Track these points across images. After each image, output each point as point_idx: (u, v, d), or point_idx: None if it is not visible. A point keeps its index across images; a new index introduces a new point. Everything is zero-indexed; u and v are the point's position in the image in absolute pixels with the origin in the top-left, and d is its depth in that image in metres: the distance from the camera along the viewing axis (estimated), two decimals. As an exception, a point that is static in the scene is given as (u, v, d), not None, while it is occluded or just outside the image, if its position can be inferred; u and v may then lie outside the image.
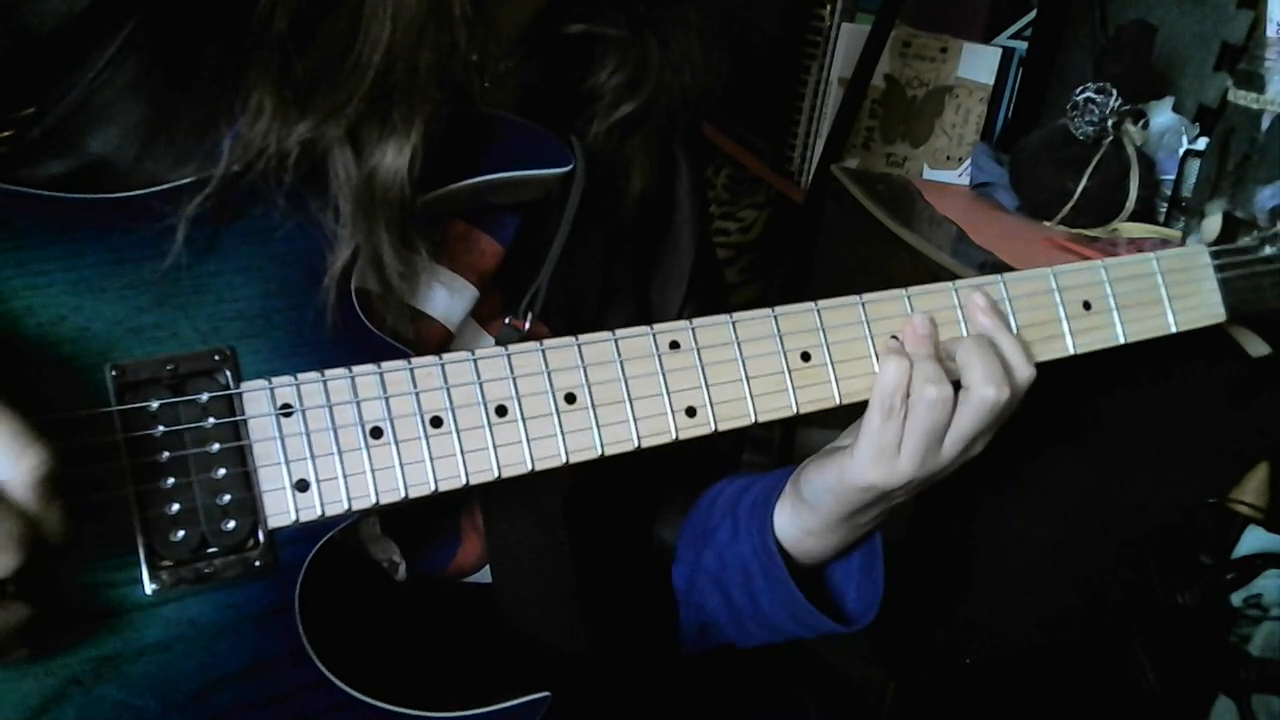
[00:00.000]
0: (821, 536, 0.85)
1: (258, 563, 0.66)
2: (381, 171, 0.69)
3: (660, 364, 0.74)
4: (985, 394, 0.76)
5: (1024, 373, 0.79)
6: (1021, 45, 1.97)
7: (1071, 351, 0.84)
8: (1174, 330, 0.88)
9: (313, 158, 0.68)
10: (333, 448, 0.67)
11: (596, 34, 0.85)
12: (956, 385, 0.78)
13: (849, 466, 0.79)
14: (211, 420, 0.65)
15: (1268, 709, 1.23)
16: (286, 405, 0.66)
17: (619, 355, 0.73)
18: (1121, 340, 0.86)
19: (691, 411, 0.74)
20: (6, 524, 0.54)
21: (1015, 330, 0.82)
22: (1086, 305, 0.85)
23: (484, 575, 0.86)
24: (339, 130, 0.68)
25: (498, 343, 0.80)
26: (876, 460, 0.77)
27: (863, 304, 0.79)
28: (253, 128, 0.67)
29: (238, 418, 0.65)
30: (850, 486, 0.80)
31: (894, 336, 0.80)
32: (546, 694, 0.73)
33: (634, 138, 0.87)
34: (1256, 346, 0.94)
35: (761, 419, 0.76)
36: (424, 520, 0.83)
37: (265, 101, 0.67)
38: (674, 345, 0.75)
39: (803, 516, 0.85)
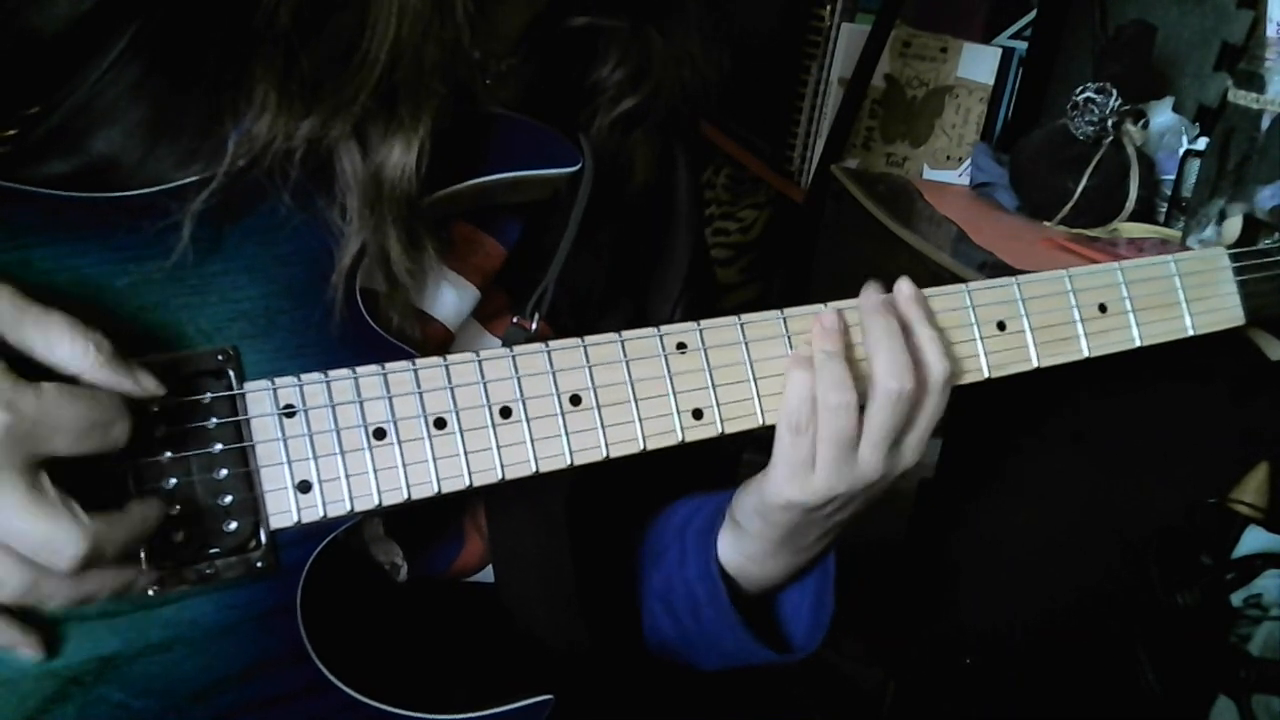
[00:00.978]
0: (762, 562, 0.83)
1: (259, 564, 0.65)
2: (389, 167, 0.69)
3: (667, 365, 0.74)
4: (889, 386, 0.73)
5: (938, 368, 0.75)
6: (1021, 45, 1.97)
7: (1086, 354, 0.83)
8: (1191, 333, 0.87)
9: (319, 154, 0.68)
10: (335, 448, 0.66)
11: (598, 28, 0.85)
12: None
13: (768, 486, 0.77)
14: (214, 420, 0.65)
15: (1268, 709, 1.23)
16: (289, 406, 0.66)
17: (625, 356, 0.73)
18: (1138, 343, 0.85)
19: (698, 413, 0.74)
20: (104, 399, 0.58)
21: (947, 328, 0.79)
22: (1102, 308, 0.84)
23: (486, 575, 0.86)
24: (345, 127, 0.68)
25: (504, 343, 0.80)
26: (791, 477, 0.75)
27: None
28: (257, 123, 0.67)
29: (240, 418, 0.65)
30: (772, 506, 0.77)
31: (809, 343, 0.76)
32: (549, 696, 0.72)
33: (636, 132, 0.87)
34: (1276, 349, 0.93)
35: (769, 421, 0.76)
36: (427, 521, 0.83)
37: (270, 97, 0.67)
38: (681, 346, 0.74)
39: (741, 541, 0.83)
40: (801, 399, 0.73)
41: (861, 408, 0.74)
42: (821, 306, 0.77)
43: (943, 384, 0.76)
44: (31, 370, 0.57)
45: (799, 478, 0.75)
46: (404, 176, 0.69)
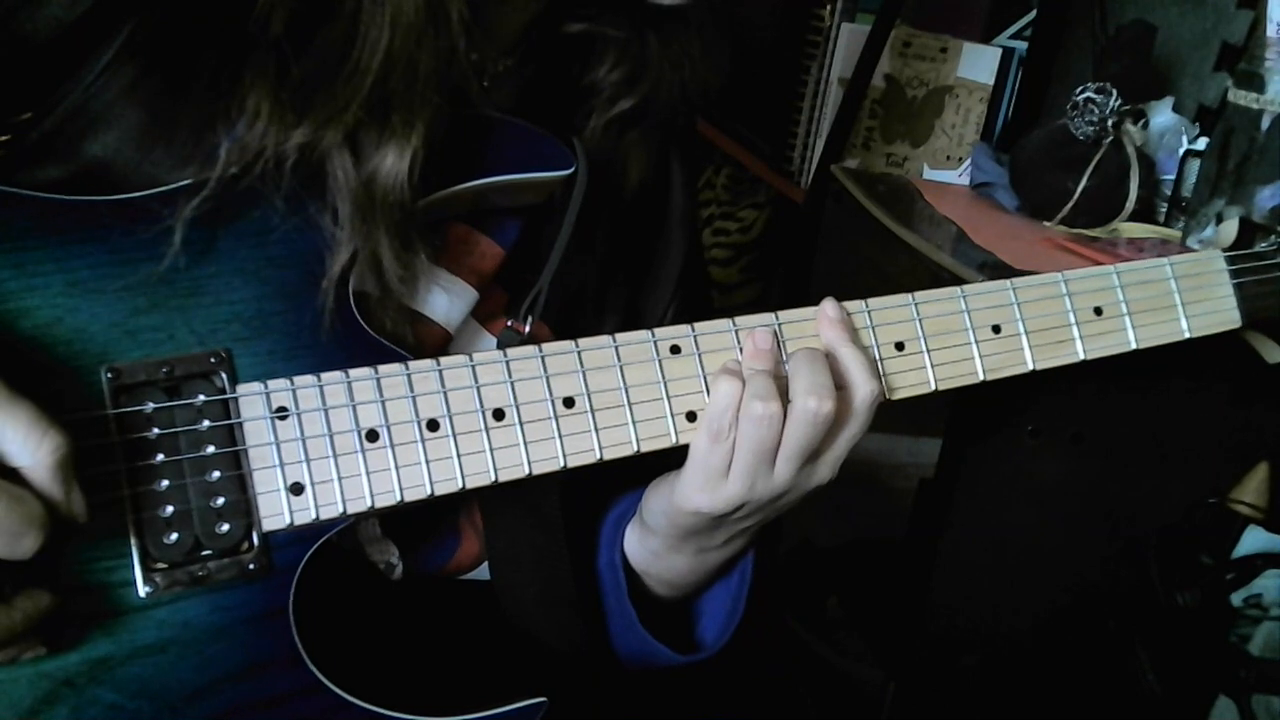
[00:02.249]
0: (665, 559, 0.83)
1: (252, 565, 0.66)
2: (381, 175, 0.69)
3: (660, 369, 0.74)
4: (807, 405, 0.72)
5: (863, 389, 0.74)
6: (1021, 45, 1.96)
7: (1082, 357, 0.83)
8: (1188, 336, 0.87)
9: (311, 162, 0.68)
10: (328, 451, 0.66)
11: (596, 33, 0.85)
12: None
13: (677, 490, 0.76)
14: (207, 423, 0.65)
15: (1268, 709, 1.22)
16: (282, 408, 0.66)
17: (619, 360, 0.73)
18: (1133, 346, 0.85)
19: (692, 416, 0.74)
20: (27, 507, 0.55)
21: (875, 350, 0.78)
22: (1098, 310, 0.84)
23: (482, 572, 0.86)
24: (337, 136, 0.68)
25: (499, 345, 0.80)
26: (703, 485, 0.74)
27: (868, 310, 0.79)
28: (249, 130, 0.67)
29: (233, 421, 0.65)
30: (679, 510, 0.77)
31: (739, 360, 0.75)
32: (543, 699, 0.72)
33: (631, 133, 0.87)
34: (1273, 352, 0.93)
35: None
36: (423, 520, 0.83)
37: (262, 105, 0.67)
38: (675, 349, 0.74)
39: (645, 538, 0.83)
40: (725, 406, 0.73)
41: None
42: (816, 309, 0.77)
43: (868, 405, 0.75)
44: None
45: (710, 485, 0.74)
46: (397, 184, 0.69)
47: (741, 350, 0.75)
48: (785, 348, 0.76)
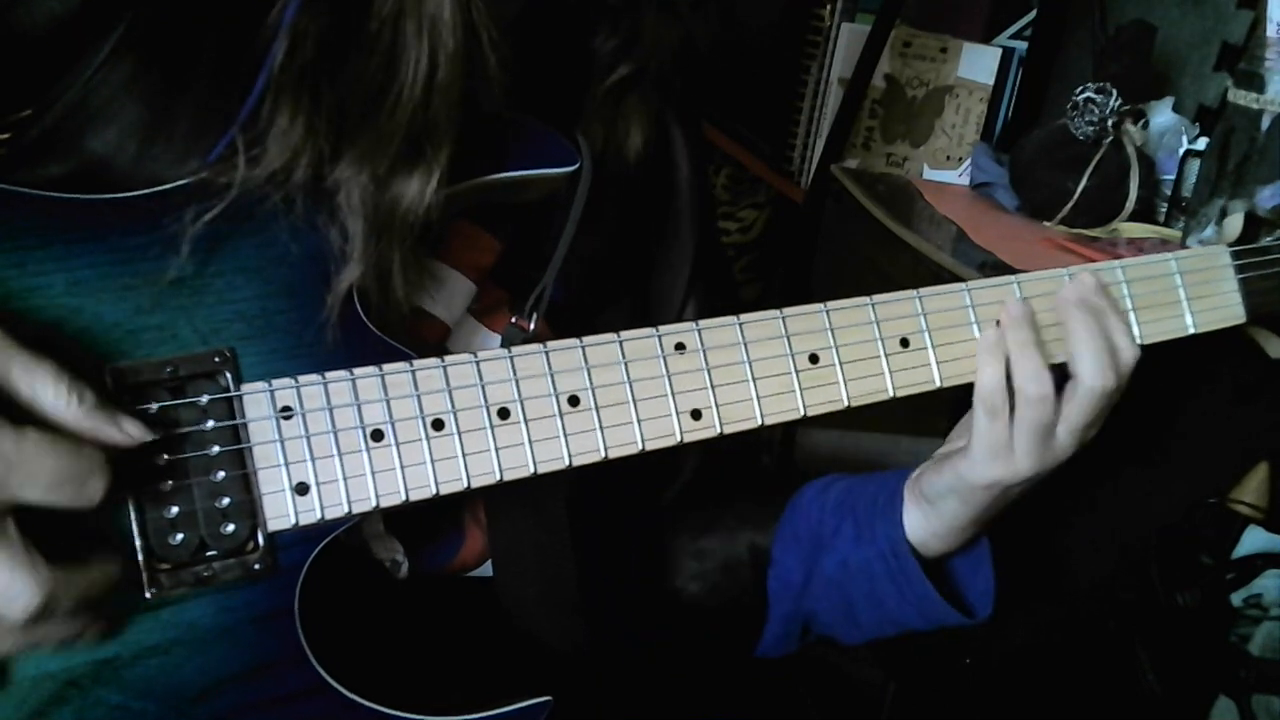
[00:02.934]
0: (946, 538, 0.86)
1: (257, 566, 0.65)
2: (405, 200, 0.68)
3: (665, 366, 0.73)
4: (1094, 386, 0.77)
5: (1129, 354, 0.79)
6: (1021, 45, 1.97)
7: None
8: (1192, 331, 0.87)
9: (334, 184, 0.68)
10: (333, 450, 0.66)
11: (591, 3, 0.84)
12: (1058, 368, 0.78)
13: (968, 467, 0.79)
14: (211, 423, 0.65)
15: (1268, 709, 1.22)
16: (287, 408, 0.66)
17: (624, 357, 0.73)
18: (1138, 341, 0.85)
19: (697, 414, 0.74)
20: (83, 450, 0.56)
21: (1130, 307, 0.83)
22: None
23: (487, 569, 0.86)
24: (380, 169, 0.67)
25: (503, 343, 0.80)
26: (994, 458, 0.78)
27: (873, 305, 0.79)
28: (277, 148, 0.66)
29: (238, 420, 0.65)
30: (973, 486, 0.80)
31: (998, 322, 0.79)
32: (548, 698, 0.72)
33: (630, 97, 0.87)
34: (1276, 347, 0.93)
35: (768, 421, 0.75)
36: (427, 517, 0.83)
37: (294, 127, 0.66)
38: (679, 347, 0.74)
39: (929, 520, 0.85)
40: (996, 385, 0.77)
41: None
42: (821, 306, 0.77)
43: (1130, 368, 0.79)
44: (15, 416, 0.55)
45: (1001, 459, 0.78)
46: (420, 206, 0.68)
47: (748, 349, 0.75)
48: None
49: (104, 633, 0.61)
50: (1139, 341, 0.83)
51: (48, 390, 0.56)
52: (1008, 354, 0.78)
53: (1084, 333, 0.78)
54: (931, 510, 0.85)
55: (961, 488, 0.81)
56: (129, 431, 0.59)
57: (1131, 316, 0.84)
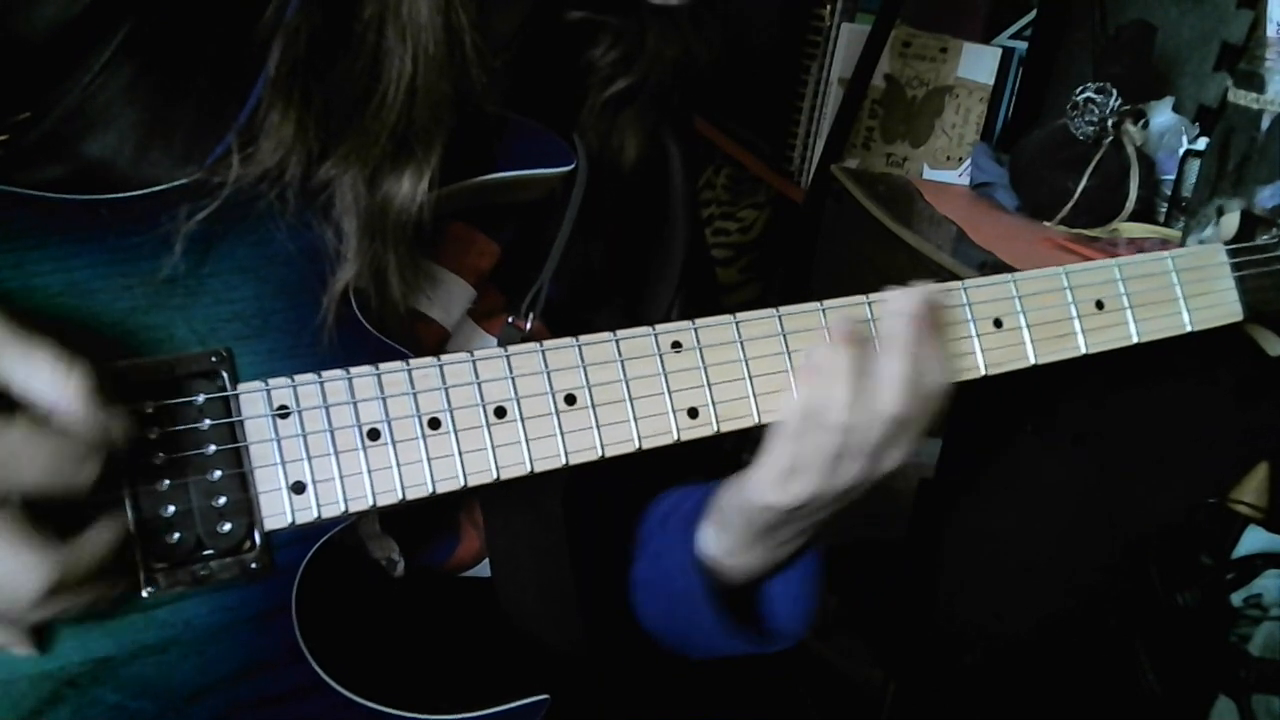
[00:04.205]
0: (738, 555, 0.84)
1: (254, 565, 0.65)
2: (397, 200, 0.69)
3: (662, 364, 0.73)
4: (891, 411, 0.73)
5: (934, 383, 0.75)
6: (1021, 45, 1.97)
7: (1084, 351, 0.83)
8: (1189, 329, 0.86)
9: (320, 182, 0.68)
10: (330, 449, 0.66)
11: (593, 19, 0.84)
12: None
13: (748, 486, 0.77)
14: (208, 422, 0.65)
15: (1268, 709, 1.22)
16: (283, 407, 0.66)
17: (620, 356, 0.73)
18: (1135, 339, 0.85)
19: (694, 412, 0.74)
20: (74, 436, 0.56)
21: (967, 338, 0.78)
22: (1099, 304, 0.84)
23: (483, 569, 0.86)
24: (366, 169, 0.68)
25: (500, 343, 0.80)
26: (774, 482, 0.75)
27: (869, 304, 0.78)
28: (268, 147, 0.66)
29: (234, 419, 0.65)
30: (753, 506, 0.78)
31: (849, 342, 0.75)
32: (545, 697, 0.72)
33: (627, 110, 0.87)
34: (1275, 345, 0.93)
35: (765, 420, 0.75)
36: (424, 517, 0.83)
37: (284, 127, 0.66)
38: (676, 345, 0.74)
39: (720, 536, 0.84)
40: (805, 406, 0.73)
41: None
42: (817, 305, 0.77)
43: (936, 398, 0.75)
44: (5, 404, 0.56)
45: (781, 482, 0.75)
46: (411, 205, 0.69)
47: (744, 348, 0.75)
48: (873, 328, 0.76)
49: (120, 592, 0.62)
50: (1135, 340, 0.83)
51: (44, 374, 0.56)
52: (819, 376, 0.74)
53: (884, 355, 0.74)
54: (721, 526, 0.83)
55: (745, 507, 0.79)
56: (117, 430, 0.58)
57: (1128, 314, 0.84)
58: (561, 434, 0.71)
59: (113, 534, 0.60)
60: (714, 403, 0.74)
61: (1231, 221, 0.91)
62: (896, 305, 0.76)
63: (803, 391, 0.74)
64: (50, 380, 0.56)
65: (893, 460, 0.76)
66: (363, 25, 0.68)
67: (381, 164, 0.68)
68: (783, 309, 0.77)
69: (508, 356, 0.70)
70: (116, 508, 0.61)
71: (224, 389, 0.65)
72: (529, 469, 0.70)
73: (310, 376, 0.66)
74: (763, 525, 0.79)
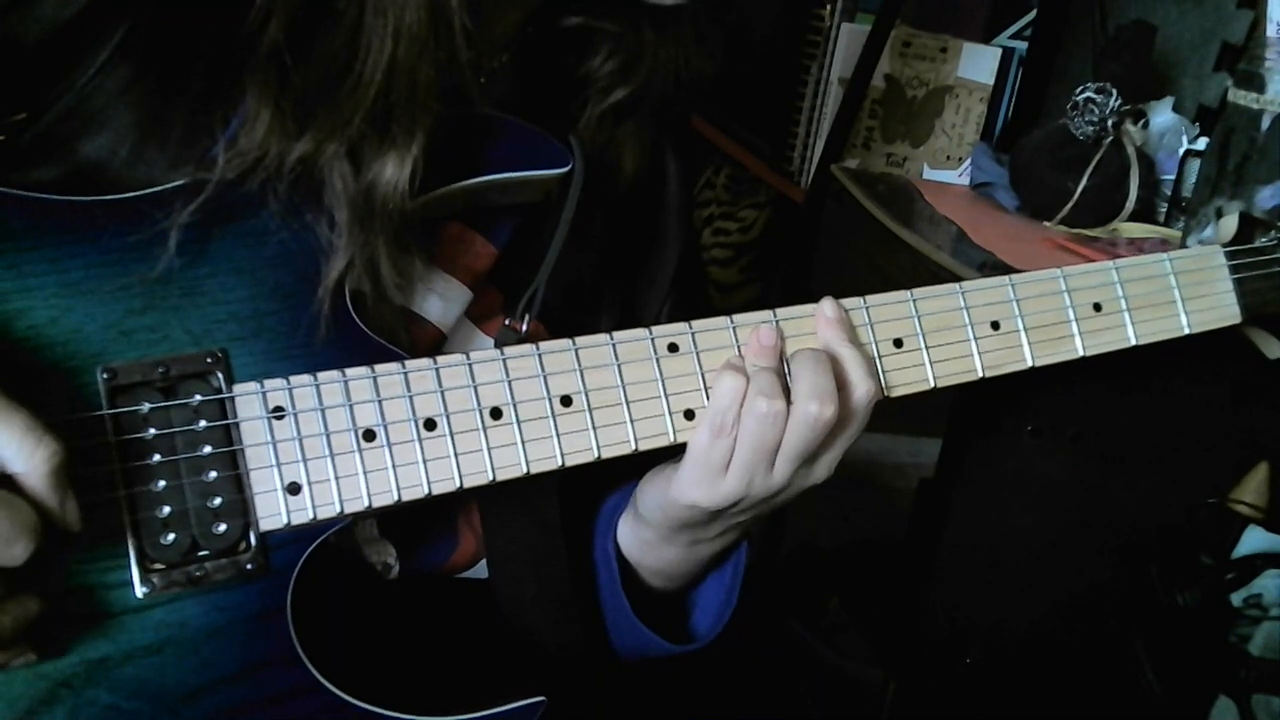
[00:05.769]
0: (658, 549, 0.83)
1: (249, 565, 0.65)
2: (381, 184, 0.68)
3: (658, 367, 0.73)
4: (809, 409, 0.72)
5: (861, 389, 0.74)
6: (1021, 45, 1.96)
7: (1081, 353, 0.83)
8: (1187, 332, 0.87)
9: (309, 169, 0.68)
10: (325, 451, 0.66)
11: (591, 26, 0.84)
12: None
13: (673, 484, 0.76)
14: (203, 423, 0.65)
15: (1268, 709, 1.22)
16: (279, 408, 0.66)
17: (616, 358, 0.73)
18: (1133, 342, 0.85)
19: (690, 414, 0.74)
20: (20, 513, 0.55)
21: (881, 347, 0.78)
22: (1097, 307, 0.84)
23: (479, 570, 0.86)
24: (341, 148, 0.67)
25: (496, 345, 0.80)
26: (700, 480, 0.74)
27: (866, 307, 0.78)
28: (249, 137, 0.66)
29: (229, 420, 0.65)
30: (674, 503, 0.77)
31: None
32: (541, 698, 0.72)
33: (626, 123, 0.87)
34: (1273, 348, 0.93)
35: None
36: (420, 520, 0.83)
37: (263, 112, 0.66)
38: (672, 348, 0.74)
39: (638, 530, 0.84)
40: (730, 402, 0.73)
41: None
42: (813, 307, 0.77)
43: (865, 405, 0.75)
44: None
45: (708, 481, 0.74)
46: (396, 192, 0.68)
47: (742, 347, 0.75)
48: (786, 346, 0.76)
49: (37, 660, 0.61)
50: (1133, 342, 0.83)
51: (13, 444, 0.56)
52: (748, 370, 0.74)
53: (803, 355, 0.74)
54: (640, 521, 0.83)
55: (666, 504, 0.78)
56: (69, 517, 0.58)
57: (1126, 317, 0.84)
58: (558, 436, 0.71)
59: (27, 612, 0.59)
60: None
61: (1230, 223, 0.91)
62: (826, 309, 0.77)
63: (725, 384, 0.73)
64: (17, 448, 0.56)
65: (824, 467, 0.76)
66: (344, 1, 0.67)
67: (361, 145, 0.68)
68: (779, 310, 0.77)
69: (504, 359, 0.70)
70: (46, 581, 0.60)
71: (219, 390, 0.65)
72: (525, 471, 0.70)
73: (306, 378, 0.67)
74: (683, 522, 0.79)
